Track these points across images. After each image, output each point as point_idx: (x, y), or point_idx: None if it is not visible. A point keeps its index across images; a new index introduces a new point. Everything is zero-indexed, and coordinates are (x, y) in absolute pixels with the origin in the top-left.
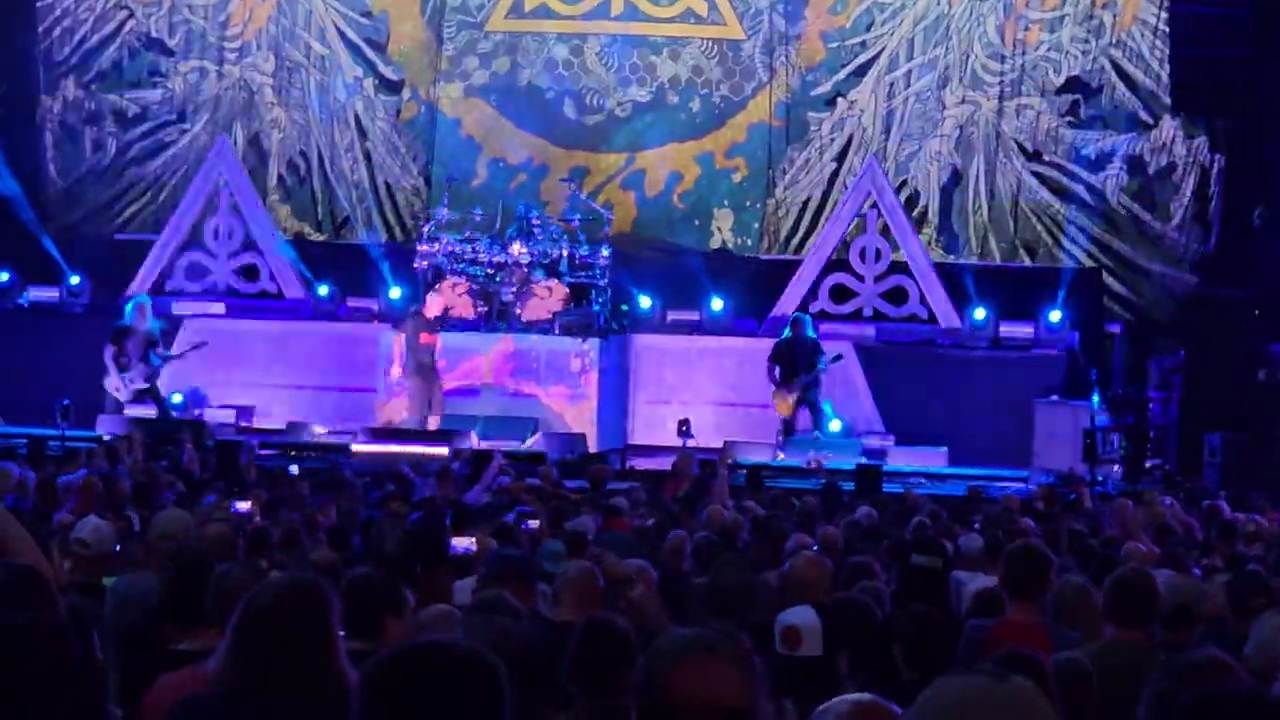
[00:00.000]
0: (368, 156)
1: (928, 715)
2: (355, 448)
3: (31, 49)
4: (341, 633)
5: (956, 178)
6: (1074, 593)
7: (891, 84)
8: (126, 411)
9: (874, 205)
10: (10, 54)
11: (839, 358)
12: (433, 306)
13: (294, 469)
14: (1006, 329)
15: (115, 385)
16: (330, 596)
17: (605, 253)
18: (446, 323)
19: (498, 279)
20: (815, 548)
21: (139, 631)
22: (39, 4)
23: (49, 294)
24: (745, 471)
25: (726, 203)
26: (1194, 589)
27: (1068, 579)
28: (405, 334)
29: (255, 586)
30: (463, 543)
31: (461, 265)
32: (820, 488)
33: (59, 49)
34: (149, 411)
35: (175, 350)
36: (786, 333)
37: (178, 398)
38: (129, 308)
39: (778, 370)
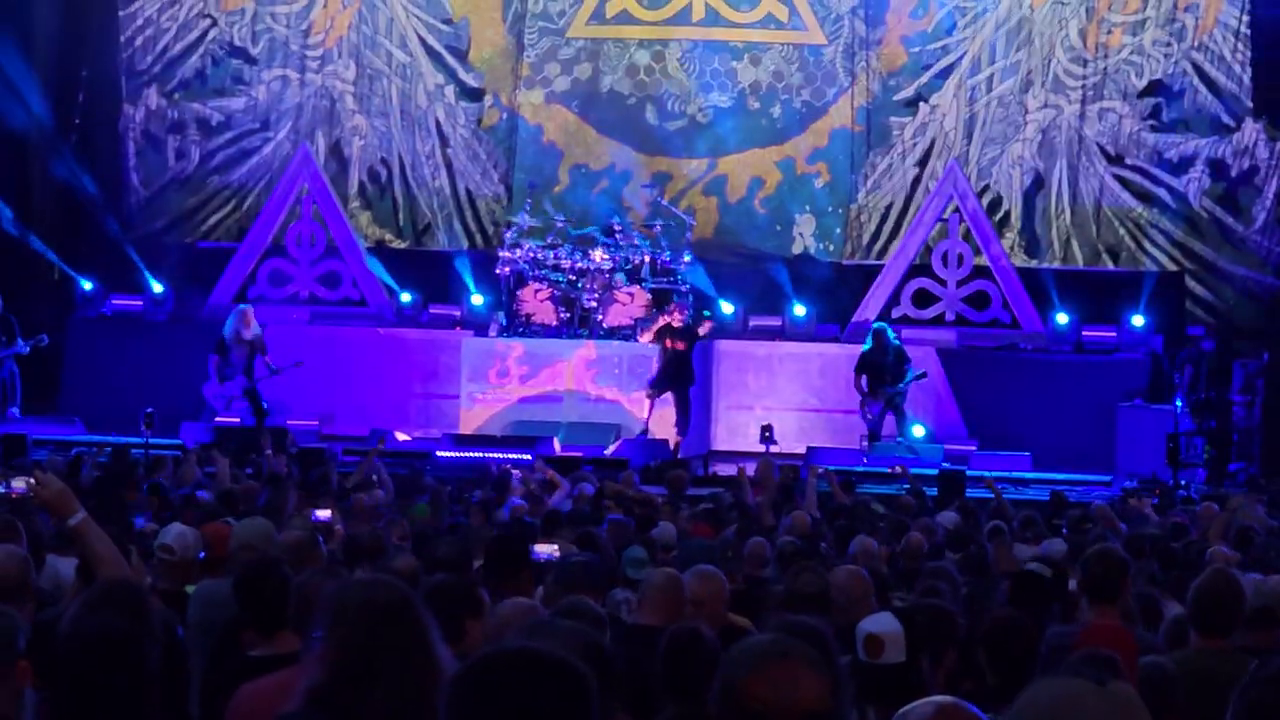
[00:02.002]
0: (449, 163)
1: (1027, 718)
2: (439, 454)
3: (114, 58)
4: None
5: (1039, 182)
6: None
7: (973, 88)
8: (216, 419)
9: (956, 210)
10: (93, 64)
11: (924, 375)
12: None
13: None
14: (1089, 333)
15: (215, 394)
16: (412, 594)
17: (687, 258)
18: (530, 328)
19: (580, 285)
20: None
21: (220, 638)
22: (122, 13)
23: (132, 303)
24: (840, 477)
25: (808, 208)
26: (1277, 591)
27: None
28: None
29: (337, 589)
30: (546, 549)
31: (543, 271)
32: (904, 493)
33: (141, 58)
34: (232, 419)
35: (275, 365)
36: (868, 343)
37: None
38: (231, 316)
39: (864, 380)
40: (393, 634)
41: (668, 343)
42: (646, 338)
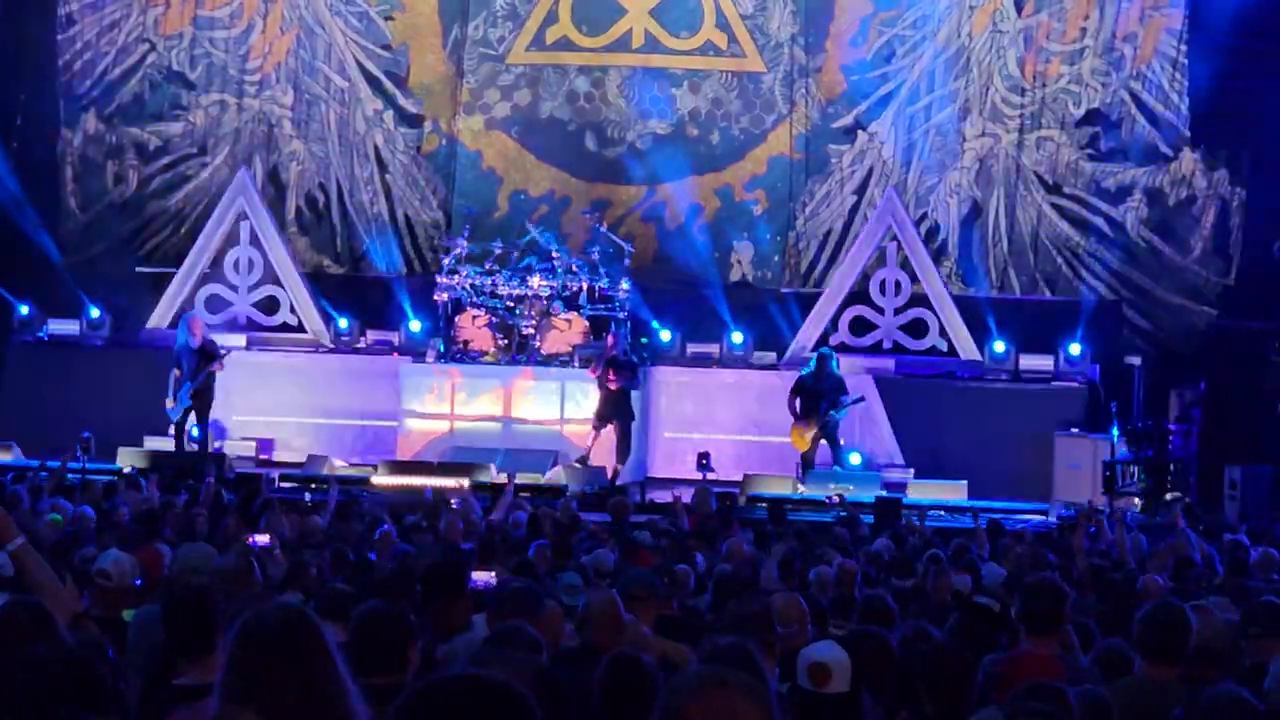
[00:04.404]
0: (387, 189)
1: None
2: (375, 480)
3: (52, 82)
4: (344, 666)
5: (976, 210)
6: None
7: (912, 116)
8: (146, 445)
9: (894, 238)
10: (31, 87)
11: (861, 399)
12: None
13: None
14: (1026, 361)
15: (170, 404)
16: (318, 624)
17: (625, 285)
18: (468, 355)
19: (518, 311)
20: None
21: (152, 664)
22: (60, 37)
23: (69, 327)
24: (766, 505)
25: (746, 235)
26: (1221, 623)
27: None
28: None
29: (243, 616)
30: (483, 576)
31: (482, 298)
32: (839, 520)
33: (79, 82)
34: (168, 444)
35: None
36: (810, 367)
37: (195, 430)
38: (180, 327)
39: (799, 403)
40: (277, 659)
41: (610, 375)
42: (594, 374)
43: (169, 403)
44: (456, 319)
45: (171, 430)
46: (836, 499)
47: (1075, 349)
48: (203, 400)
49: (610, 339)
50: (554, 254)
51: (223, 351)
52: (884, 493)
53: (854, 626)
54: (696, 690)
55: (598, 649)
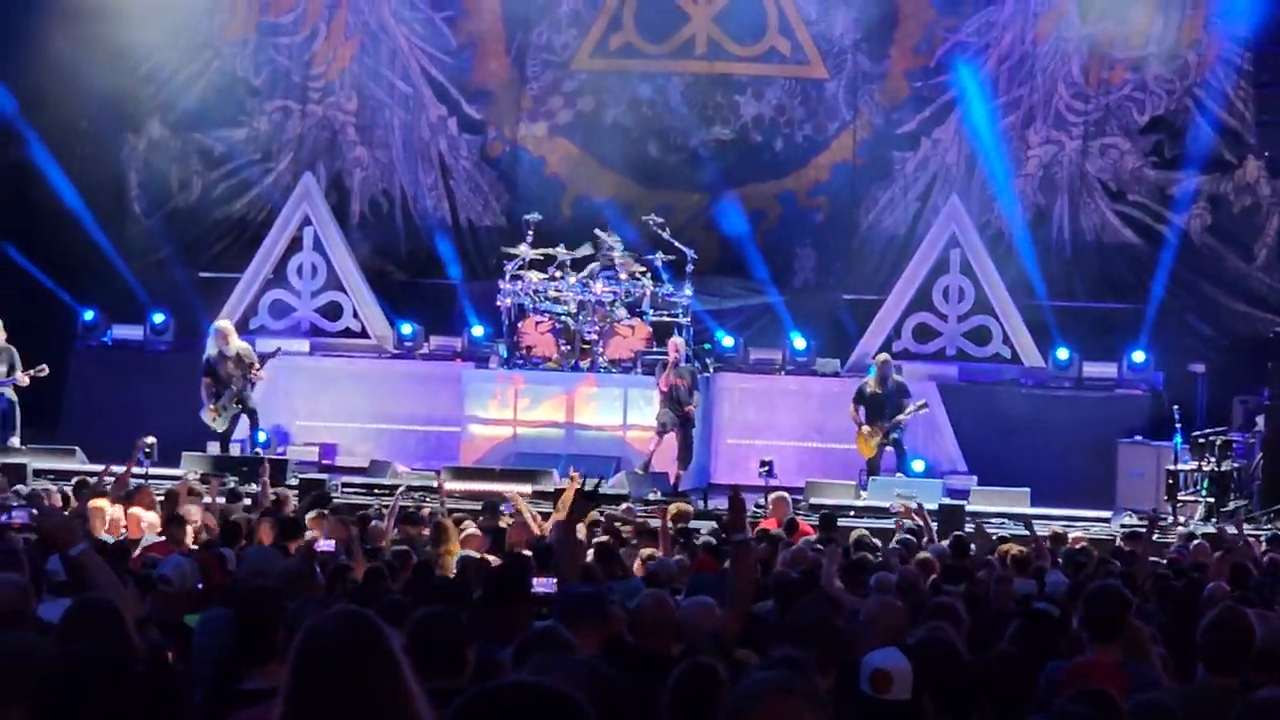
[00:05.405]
0: (450, 195)
1: None
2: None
3: (118, 88)
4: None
5: (1040, 217)
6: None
7: (975, 123)
8: (209, 450)
9: (957, 244)
10: (97, 93)
11: (924, 406)
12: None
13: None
14: (1090, 369)
15: (210, 416)
16: (384, 629)
17: (688, 291)
18: (530, 361)
19: (580, 317)
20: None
21: (218, 668)
22: (127, 43)
23: (133, 332)
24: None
25: (809, 242)
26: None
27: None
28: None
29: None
30: (544, 582)
31: (544, 304)
32: (908, 530)
33: (144, 88)
34: (232, 450)
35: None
36: (871, 374)
37: (262, 435)
38: (208, 338)
39: (862, 411)
40: (341, 668)
41: (677, 382)
42: (664, 384)
43: (209, 413)
44: (519, 325)
45: (217, 439)
46: (901, 508)
47: (1139, 356)
48: (246, 406)
49: (673, 346)
50: (617, 258)
51: (263, 357)
52: (947, 500)
53: (919, 633)
54: (761, 696)
55: (650, 651)
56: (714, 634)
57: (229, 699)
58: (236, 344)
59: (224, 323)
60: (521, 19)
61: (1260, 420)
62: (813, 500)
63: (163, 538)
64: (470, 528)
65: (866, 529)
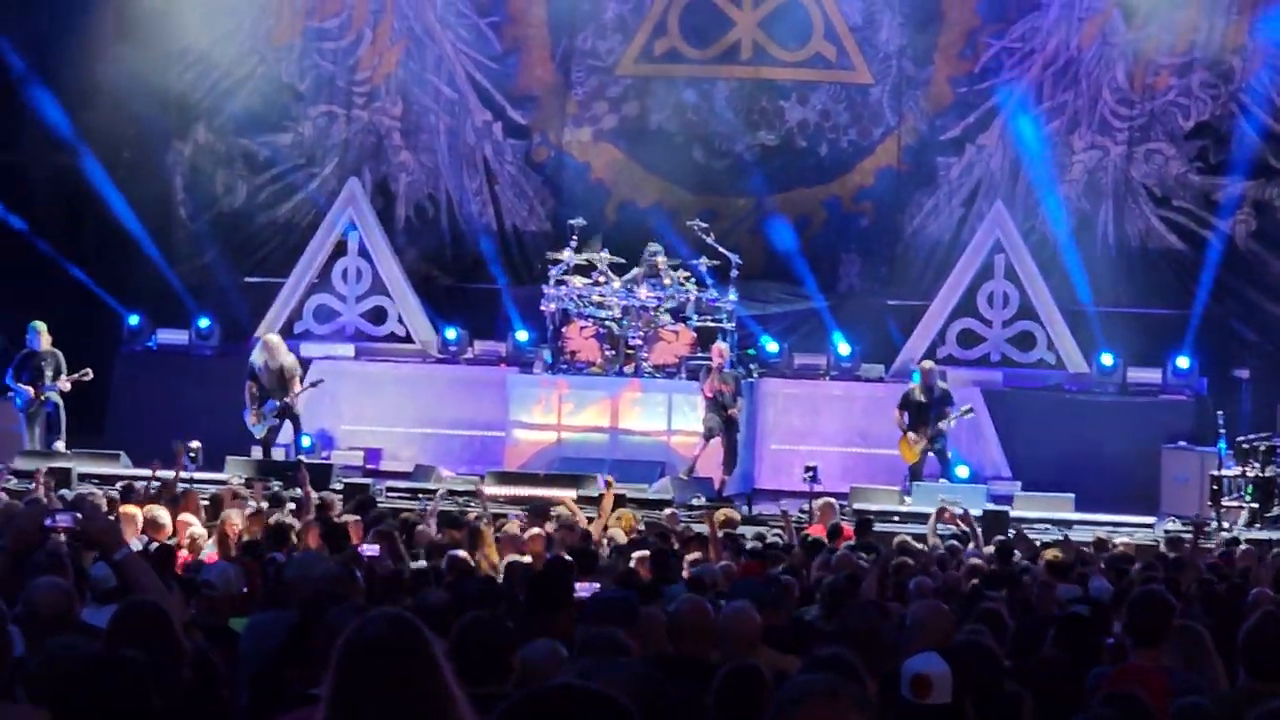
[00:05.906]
0: (495, 200)
1: None
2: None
3: (164, 93)
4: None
5: (1085, 222)
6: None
7: (1019, 129)
8: (253, 454)
9: (1002, 250)
10: (142, 98)
11: (970, 411)
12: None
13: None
14: (1134, 374)
15: (253, 420)
16: (426, 632)
17: (732, 297)
18: (575, 366)
19: (624, 323)
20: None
21: (265, 672)
22: (172, 49)
23: (178, 336)
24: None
25: (854, 247)
26: None
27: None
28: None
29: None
30: (587, 586)
31: (589, 309)
32: (949, 535)
33: (191, 93)
34: (276, 455)
35: (295, 390)
36: (915, 380)
37: (307, 440)
38: (255, 349)
39: (906, 417)
40: (385, 671)
41: (722, 387)
42: (708, 390)
43: (252, 416)
44: (564, 330)
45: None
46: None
47: (1183, 362)
48: (291, 414)
49: (716, 351)
50: (661, 265)
51: (305, 386)
52: (991, 505)
53: (961, 637)
54: (806, 699)
55: (689, 657)
56: (750, 641)
57: (275, 701)
58: (283, 358)
59: (273, 336)
60: (566, 24)
61: None
62: (857, 506)
63: (214, 546)
64: (532, 529)
65: (910, 535)
